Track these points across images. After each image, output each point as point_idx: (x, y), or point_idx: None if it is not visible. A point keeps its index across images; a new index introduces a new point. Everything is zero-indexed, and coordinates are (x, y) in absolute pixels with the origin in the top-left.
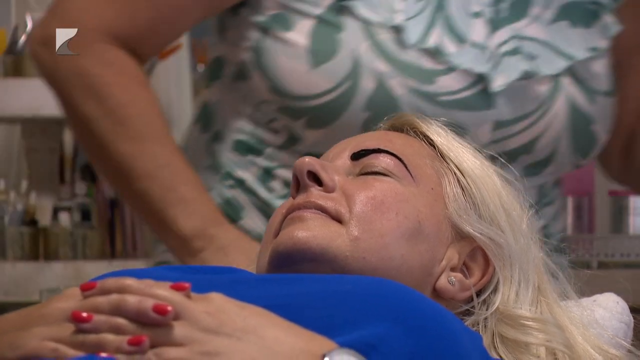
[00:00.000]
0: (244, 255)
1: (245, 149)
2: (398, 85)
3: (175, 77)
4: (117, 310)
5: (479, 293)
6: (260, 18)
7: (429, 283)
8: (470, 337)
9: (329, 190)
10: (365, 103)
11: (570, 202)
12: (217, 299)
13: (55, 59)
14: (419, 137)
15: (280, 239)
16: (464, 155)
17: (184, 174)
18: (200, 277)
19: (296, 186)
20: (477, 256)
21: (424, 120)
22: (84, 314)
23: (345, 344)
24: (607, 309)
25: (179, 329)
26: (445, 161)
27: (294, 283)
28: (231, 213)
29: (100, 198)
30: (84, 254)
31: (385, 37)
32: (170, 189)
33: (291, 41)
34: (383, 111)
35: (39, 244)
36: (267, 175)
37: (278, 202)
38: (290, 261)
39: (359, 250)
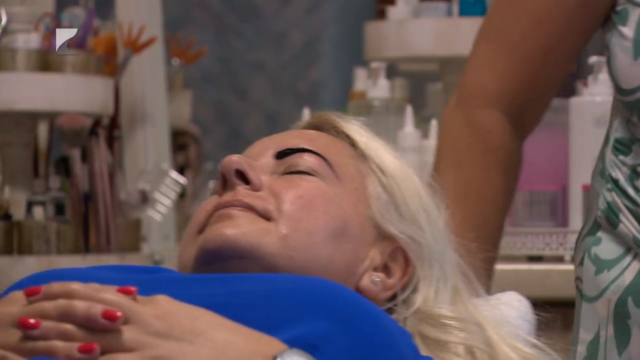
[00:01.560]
0: None
1: (618, 148)
2: None
3: (150, 71)
4: (65, 316)
5: (399, 293)
6: (612, 15)
7: (352, 283)
8: (402, 334)
9: (256, 188)
10: None
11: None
12: (164, 302)
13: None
14: (340, 137)
15: (209, 236)
16: (384, 155)
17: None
18: (132, 276)
19: (222, 184)
20: (397, 256)
21: (345, 119)
22: (32, 320)
23: (288, 344)
24: (512, 307)
25: (129, 334)
26: (367, 161)
27: (231, 282)
28: (611, 218)
29: (74, 192)
30: (58, 248)
31: None
32: None
33: (625, 34)
34: None
35: (13, 238)
36: (634, 173)
37: None
38: (218, 258)
39: (287, 249)
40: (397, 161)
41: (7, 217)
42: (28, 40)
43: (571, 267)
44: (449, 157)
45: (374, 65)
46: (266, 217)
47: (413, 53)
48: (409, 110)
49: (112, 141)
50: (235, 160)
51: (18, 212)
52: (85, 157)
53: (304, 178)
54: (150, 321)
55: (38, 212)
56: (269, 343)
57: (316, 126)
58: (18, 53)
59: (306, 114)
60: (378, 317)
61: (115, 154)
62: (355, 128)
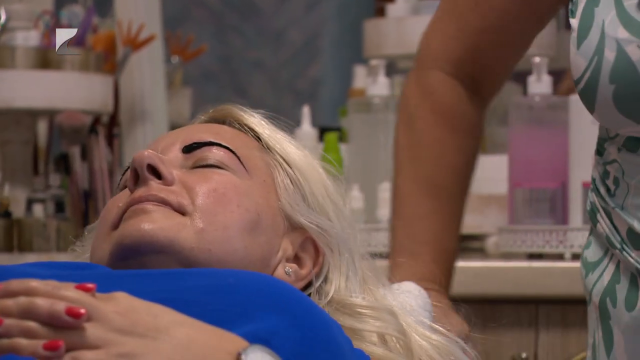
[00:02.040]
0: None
1: (598, 148)
2: (635, 50)
3: (149, 69)
4: (28, 314)
5: (311, 283)
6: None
7: (267, 274)
8: (336, 325)
9: (168, 183)
10: (609, 75)
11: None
12: (124, 299)
13: (406, 80)
14: (244, 129)
15: (126, 231)
16: (288, 147)
17: (427, 236)
18: (70, 272)
19: (134, 179)
20: (308, 246)
21: (246, 112)
22: None
23: (244, 339)
24: (413, 296)
25: (92, 331)
26: (272, 153)
27: (174, 277)
28: (592, 218)
29: (74, 190)
30: (58, 245)
31: (630, 4)
32: (405, 242)
33: (572, 25)
34: (624, 81)
35: (13, 236)
36: (605, 172)
37: (610, 201)
38: (136, 253)
39: (204, 242)
40: (301, 152)
41: (7, 214)
42: (27, 38)
43: (571, 264)
44: (403, 117)
45: (374, 62)
46: (181, 211)
47: (412, 50)
48: None
49: (111, 139)
50: (147, 155)
51: (18, 210)
52: (85, 154)
53: (215, 171)
54: (113, 318)
55: (38, 209)
56: (232, 340)
57: (219, 120)
58: (17, 50)
59: (306, 111)
60: (317, 310)
61: (115, 151)
62: (257, 121)
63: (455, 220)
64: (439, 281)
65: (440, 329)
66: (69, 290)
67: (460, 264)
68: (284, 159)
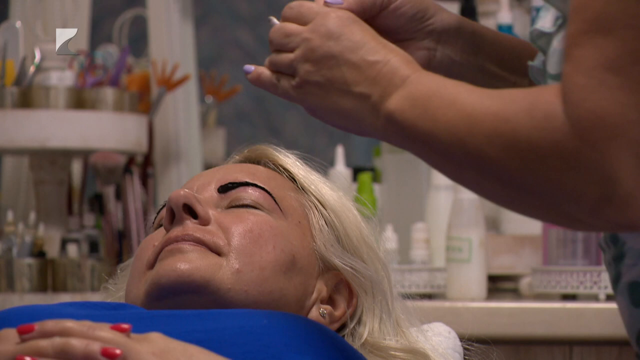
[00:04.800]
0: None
1: None
2: None
3: (183, 109)
4: (63, 354)
5: (345, 325)
6: None
7: (302, 316)
8: None
9: (204, 223)
10: None
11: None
12: (159, 339)
13: None
14: (279, 170)
15: (162, 271)
16: (323, 188)
17: None
18: (104, 313)
19: (170, 218)
20: (341, 288)
21: (281, 153)
22: (28, 359)
23: None
24: (444, 338)
25: None
26: (307, 194)
27: (208, 318)
28: None
29: (108, 230)
30: (92, 285)
31: None
32: None
33: None
34: None
35: (47, 276)
36: None
37: None
38: (172, 293)
39: (240, 283)
40: (336, 194)
41: (41, 254)
42: (62, 78)
43: (605, 305)
44: None
45: None
46: (217, 251)
47: None
48: None
49: (146, 179)
50: (183, 194)
51: (52, 250)
52: (119, 194)
53: (251, 212)
54: (149, 359)
55: (72, 249)
56: None
57: (253, 160)
58: (52, 90)
59: (339, 151)
60: (351, 353)
61: (149, 191)
62: (292, 162)
63: None
64: None
65: None
66: (104, 331)
67: (494, 304)
68: (318, 201)
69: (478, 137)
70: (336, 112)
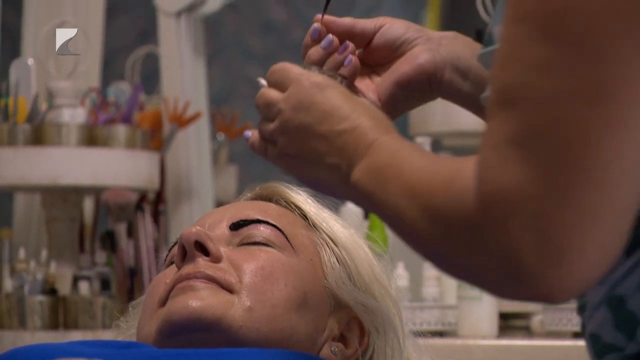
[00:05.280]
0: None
1: None
2: None
3: (195, 146)
4: None
5: None
6: None
7: (313, 353)
8: None
9: (215, 260)
10: None
11: None
12: None
13: None
14: (290, 207)
15: (173, 308)
16: (334, 226)
17: None
18: (117, 351)
19: (182, 256)
20: (353, 326)
21: (293, 190)
22: None
23: None
24: None
25: None
26: (318, 231)
27: (218, 357)
28: None
29: (120, 267)
30: (104, 323)
31: None
32: None
33: None
34: None
35: (59, 313)
36: None
37: None
38: (184, 330)
39: (252, 321)
40: (347, 231)
41: (53, 291)
42: (74, 115)
43: None
44: None
45: (419, 140)
46: (229, 289)
47: (457, 128)
48: None
49: (158, 216)
50: (194, 231)
51: (64, 287)
52: (131, 231)
53: (262, 249)
54: None
55: (84, 287)
56: None
57: (265, 197)
58: (64, 128)
59: None
60: None
61: (161, 228)
62: (304, 199)
63: None
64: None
65: None
66: None
67: (505, 342)
68: (330, 238)
69: (413, 210)
70: (315, 182)
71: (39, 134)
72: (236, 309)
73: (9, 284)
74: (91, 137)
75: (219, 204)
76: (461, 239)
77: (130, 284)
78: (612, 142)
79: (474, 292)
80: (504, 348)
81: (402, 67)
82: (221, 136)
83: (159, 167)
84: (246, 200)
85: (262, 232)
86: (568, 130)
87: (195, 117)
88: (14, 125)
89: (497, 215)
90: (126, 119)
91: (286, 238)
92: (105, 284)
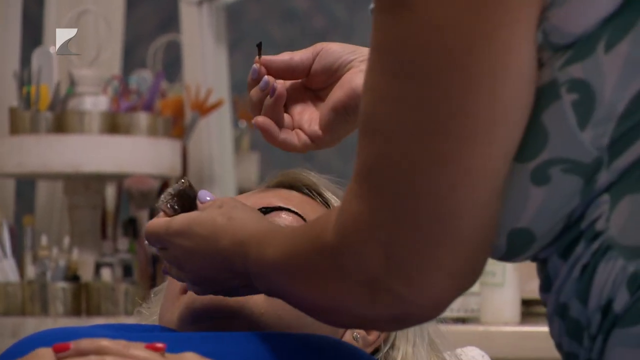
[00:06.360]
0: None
1: None
2: None
3: (217, 133)
4: None
5: (379, 349)
6: None
7: (336, 338)
8: None
9: None
10: None
11: None
12: (194, 359)
13: None
14: (312, 194)
15: (195, 295)
16: None
17: None
18: (138, 334)
19: None
20: None
21: (315, 177)
22: None
23: None
24: None
25: None
26: None
27: (241, 340)
28: None
29: (142, 254)
30: (126, 309)
31: None
32: None
33: None
34: None
35: (81, 300)
36: None
37: None
38: (206, 317)
39: (274, 308)
40: None
41: (75, 278)
42: (96, 103)
43: None
44: None
45: None
46: None
47: None
48: None
49: None
50: None
51: (86, 274)
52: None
53: None
54: None
55: (106, 273)
56: None
57: (287, 185)
58: (86, 115)
59: None
60: None
61: None
62: (325, 185)
63: None
64: None
65: None
66: (139, 350)
67: (528, 328)
68: None
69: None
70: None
71: (61, 121)
72: (258, 297)
73: (31, 271)
74: (113, 124)
75: (241, 191)
76: (319, 267)
77: (152, 270)
78: (443, 176)
79: (496, 278)
80: (526, 334)
81: (336, 93)
82: (243, 123)
83: (180, 155)
84: (268, 188)
85: (284, 219)
86: (406, 163)
87: (217, 104)
88: (36, 113)
89: (351, 242)
90: (148, 107)
91: None
92: (127, 271)
